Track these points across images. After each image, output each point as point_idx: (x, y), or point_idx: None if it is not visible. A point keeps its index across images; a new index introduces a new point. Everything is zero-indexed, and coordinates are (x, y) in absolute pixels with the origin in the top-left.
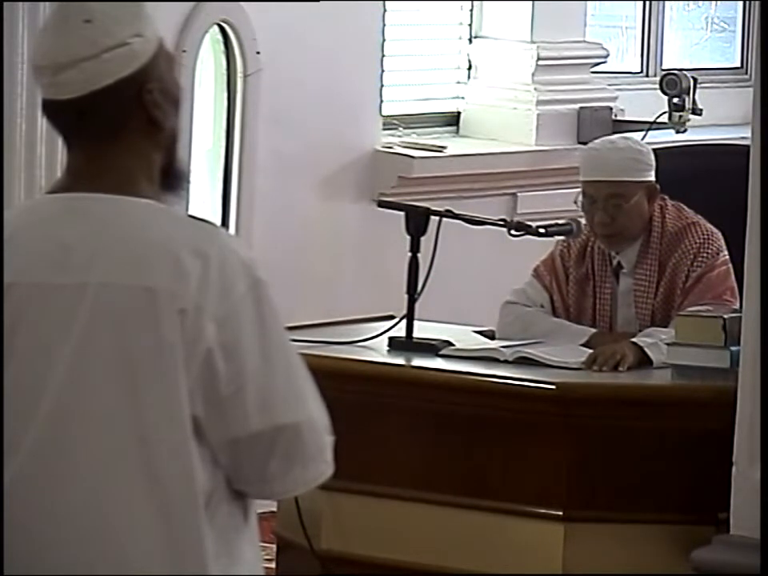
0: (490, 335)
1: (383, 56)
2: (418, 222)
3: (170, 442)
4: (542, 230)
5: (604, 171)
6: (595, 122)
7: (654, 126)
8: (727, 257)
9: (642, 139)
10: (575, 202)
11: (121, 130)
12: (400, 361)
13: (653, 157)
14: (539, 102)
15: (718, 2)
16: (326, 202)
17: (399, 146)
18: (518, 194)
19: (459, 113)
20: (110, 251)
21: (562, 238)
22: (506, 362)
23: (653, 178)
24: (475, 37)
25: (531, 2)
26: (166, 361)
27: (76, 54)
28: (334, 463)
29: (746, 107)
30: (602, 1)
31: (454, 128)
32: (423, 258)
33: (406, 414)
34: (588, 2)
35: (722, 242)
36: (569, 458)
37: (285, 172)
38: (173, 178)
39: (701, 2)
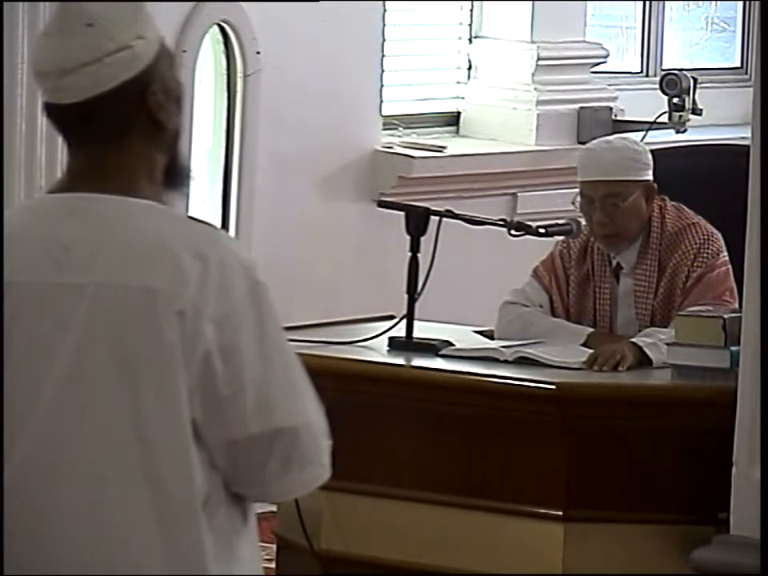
0: (490, 335)
1: (383, 56)
2: (418, 221)
3: (169, 443)
4: (542, 230)
5: (600, 171)
6: (595, 122)
7: (654, 126)
8: (727, 257)
9: (642, 139)
10: (573, 204)
11: (124, 132)
12: (400, 361)
13: (650, 156)
14: (539, 102)
15: (718, 2)
16: (325, 201)
17: (399, 146)
18: (518, 194)
19: (459, 113)
20: (110, 251)
21: (561, 238)
22: (506, 361)
23: (650, 178)
24: (475, 37)
25: (531, 1)
26: (165, 362)
27: (78, 59)
28: (335, 463)
29: (745, 107)
30: (602, 1)
31: (453, 128)
32: (423, 257)
33: (406, 414)
34: (588, 1)
35: (722, 242)
36: (569, 458)
37: (285, 172)
38: (177, 175)
39: (701, 2)
